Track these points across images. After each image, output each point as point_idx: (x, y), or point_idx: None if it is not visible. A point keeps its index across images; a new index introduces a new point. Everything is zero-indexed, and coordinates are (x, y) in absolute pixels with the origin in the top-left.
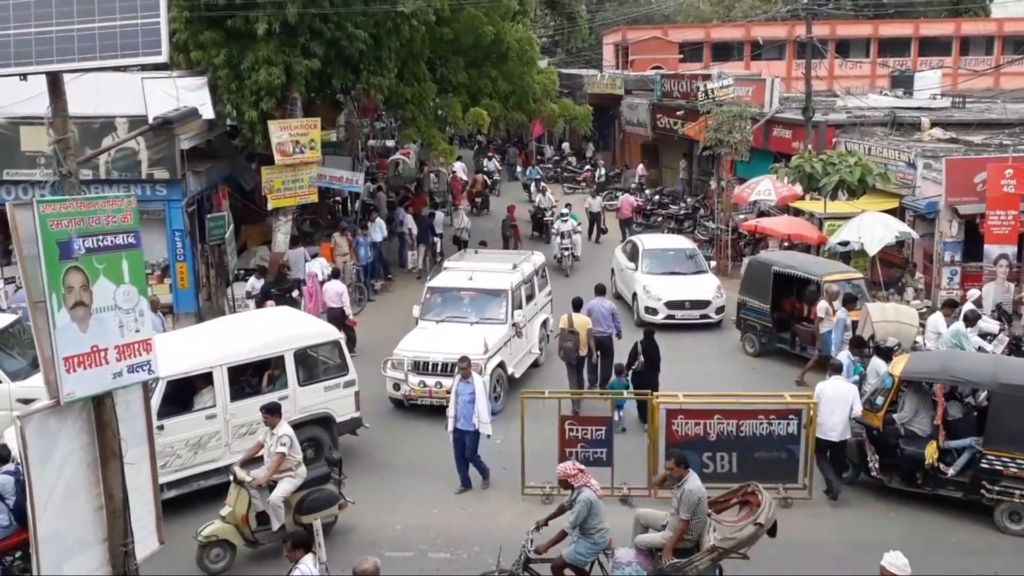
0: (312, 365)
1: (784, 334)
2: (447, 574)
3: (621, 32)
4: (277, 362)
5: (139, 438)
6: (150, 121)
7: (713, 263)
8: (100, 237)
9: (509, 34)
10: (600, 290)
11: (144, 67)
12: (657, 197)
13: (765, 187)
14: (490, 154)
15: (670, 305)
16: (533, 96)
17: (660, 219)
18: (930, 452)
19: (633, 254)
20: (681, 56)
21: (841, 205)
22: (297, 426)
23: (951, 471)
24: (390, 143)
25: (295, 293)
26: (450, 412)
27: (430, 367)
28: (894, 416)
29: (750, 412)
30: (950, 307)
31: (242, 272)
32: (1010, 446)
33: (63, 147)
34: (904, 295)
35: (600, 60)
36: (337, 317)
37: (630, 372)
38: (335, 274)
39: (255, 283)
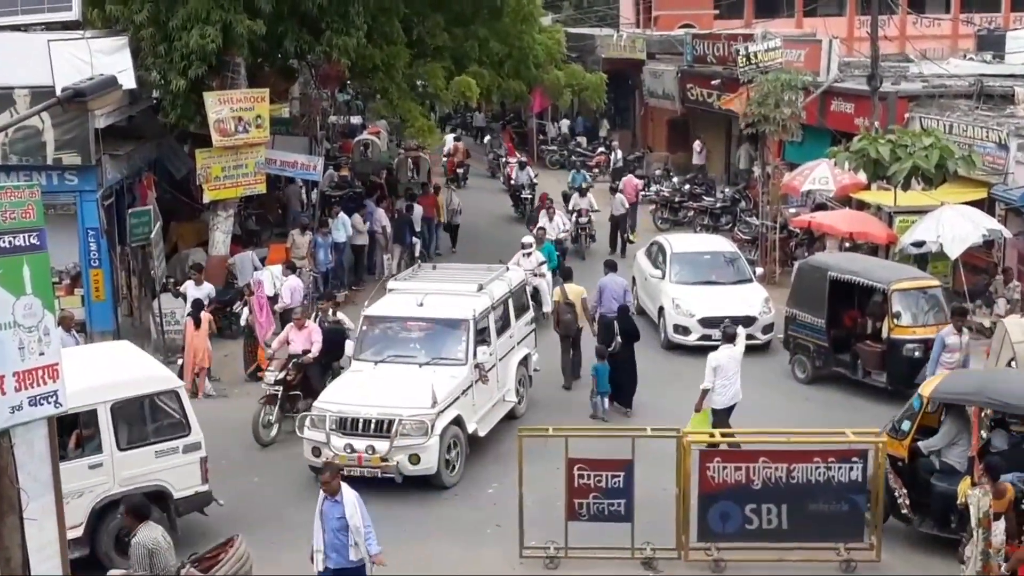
0: (138, 422)
1: (843, 355)
2: None
3: None
4: (87, 418)
5: (43, 487)
6: (58, 93)
7: (759, 270)
8: None
9: None
10: (611, 265)
11: (50, 26)
12: (688, 187)
13: (821, 174)
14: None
15: (706, 323)
16: (534, 61)
17: (692, 213)
18: (962, 489)
19: (659, 259)
20: (717, 12)
21: (916, 197)
22: (117, 503)
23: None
24: (356, 120)
25: (236, 306)
26: (316, 543)
27: (360, 426)
28: (920, 445)
29: (804, 454)
30: None
31: (171, 281)
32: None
33: None
34: (994, 308)
35: (617, 17)
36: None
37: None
38: (291, 268)
39: (192, 290)
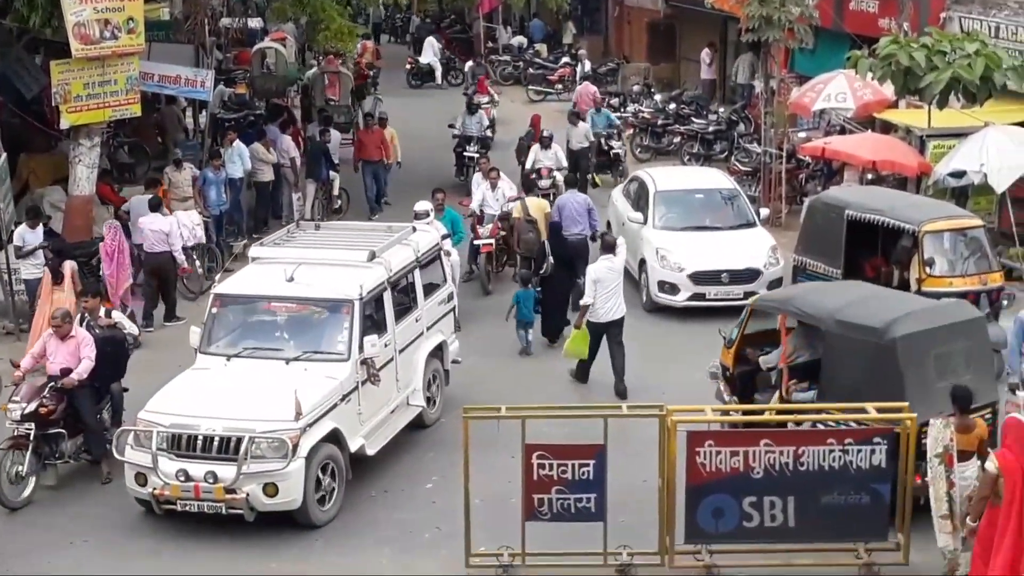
0: None
1: None
2: None
3: None
4: None
5: None
6: None
7: (764, 211)
8: None
9: None
10: (571, 181)
11: None
12: (674, 106)
13: (838, 89)
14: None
15: (698, 279)
16: None
17: (679, 140)
18: (774, 406)
19: (640, 199)
20: None
21: (955, 116)
22: None
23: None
24: (255, 24)
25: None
26: None
27: (198, 445)
28: (761, 358)
29: (815, 435)
30: None
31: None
32: (843, 397)
33: None
34: None
35: None
36: (161, 269)
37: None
38: (155, 205)
39: (27, 235)
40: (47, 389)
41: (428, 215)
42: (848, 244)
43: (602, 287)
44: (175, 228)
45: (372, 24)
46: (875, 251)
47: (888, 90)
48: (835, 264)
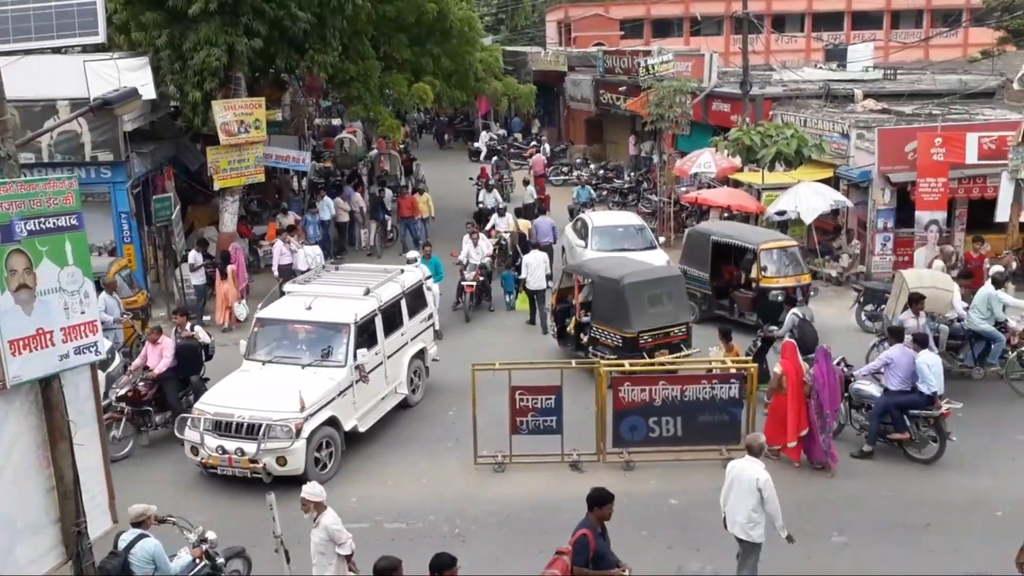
0: None
1: (723, 301)
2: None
3: (563, 9)
4: None
5: (88, 419)
6: (91, 103)
7: (661, 238)
8: (42, 220)
9: (452, 12)
10: (542, 210)
11: (85, 49)
12: (602, 171)
13: (705, 160)
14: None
15: None
16: (476, 75)
17: (605, 193)
18: (572, 326)
19: (583, 231)
20: (622, 32)
21: (778, 176)
22: None
23: (585, 339)
24: (336, 122)
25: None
26: None
27: (232, 428)
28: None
29: (693, 377)
30: (964, 278)
31: (189, 254)
32: (602, 320)
33: (1, 129)
34: (840, 261)
35: (544, 37)
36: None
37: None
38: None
39: (196, 257)
40: (139, 378)
41: (417, 260)
42: (712, 257)
43: (530, 269)
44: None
45: (418, 125)
46: (730, 261)
47: (737, 160)
48: (704, 270)
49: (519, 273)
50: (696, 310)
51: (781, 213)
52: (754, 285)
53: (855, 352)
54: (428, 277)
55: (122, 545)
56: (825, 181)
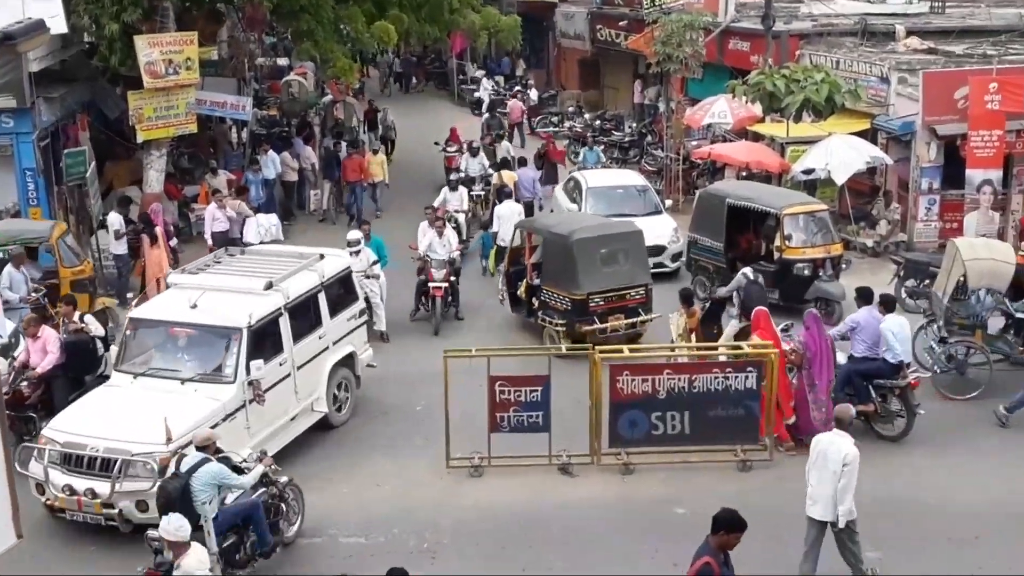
0: None
1: None
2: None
3: None
4: None
5: None
6: None
7: (668, 201)
8: None
9: None
10: (523, 162)
11: None
12: (598, 122)
13: (720, 108)
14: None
15: None
16: (450, 6)
17: (602, 148)
18: (523, 290)
19: (575, 194)
20: None
21: (806, 128)
22: None
23: (536, 303)
24: (283, 62)
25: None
26: None
27: (85, 462)
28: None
29: (704, 365)
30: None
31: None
32: (551, 282)
33: None
34: (877, 229)
35: None
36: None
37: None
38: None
39: (117, 220)
40: (21, 378)
41: (359, 243)
42: (728, 224)
43: (502, 221)
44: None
45: (392, 72)
46: (748, 229)
47: (757, 109)
48: (718, 239)
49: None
50: (708, 286)
51: (809, 172)
52: (776, 257)
53: None
54: (375, 262)
55: (184, 468)
56: (860, 134)
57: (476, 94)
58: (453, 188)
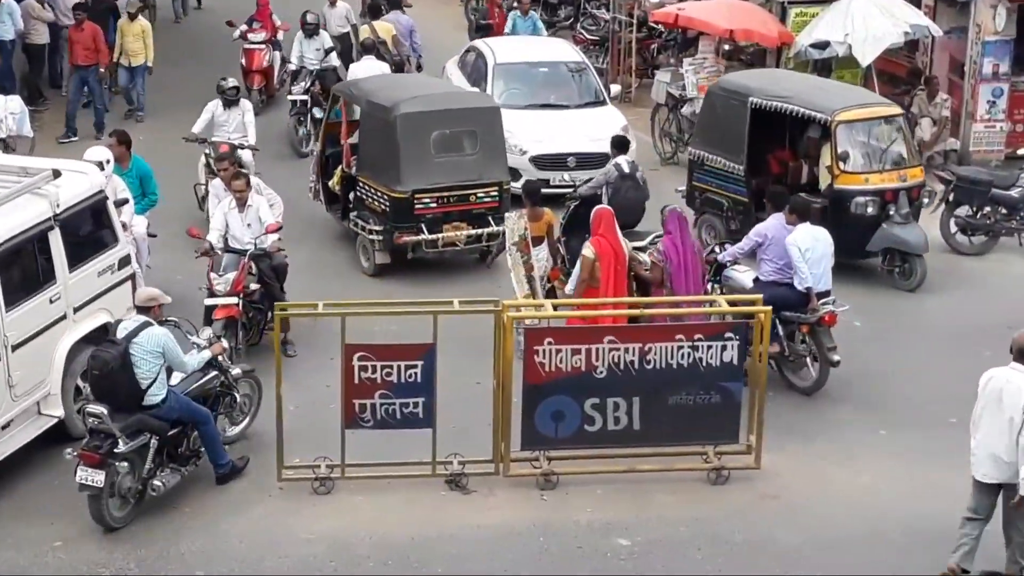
0: None
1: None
2: None
3: None
4: None
5: None
6: None
7: (615, 87)
8: None
9: None
10: (395, 3)
11: None
12: None
13: None
14: None
15: (541, 163)
16: None
17: (517, 4)
18: (335, 180)
19: (477, 72)
20: None
21: None
22: None
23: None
24: None
25: None
26: None
27: None
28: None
29: (662, 330)
30: None
31: None
32: (369, 172)
33: None
34: (916, 131)
35: None
36: None
37: None
38: None
39: None
40: None
41: (103, 167)
42: (751, 136)
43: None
44: None
45: None
46: (782, 143)
47: None
48: (737, 159)
49: None
50: (721, 230)
51: (822, 46)
52: (826, 186)
53: (939, 289)
54: (125, 201)
55: (122, 334)
56: None
57: None
58: (229, 103)
